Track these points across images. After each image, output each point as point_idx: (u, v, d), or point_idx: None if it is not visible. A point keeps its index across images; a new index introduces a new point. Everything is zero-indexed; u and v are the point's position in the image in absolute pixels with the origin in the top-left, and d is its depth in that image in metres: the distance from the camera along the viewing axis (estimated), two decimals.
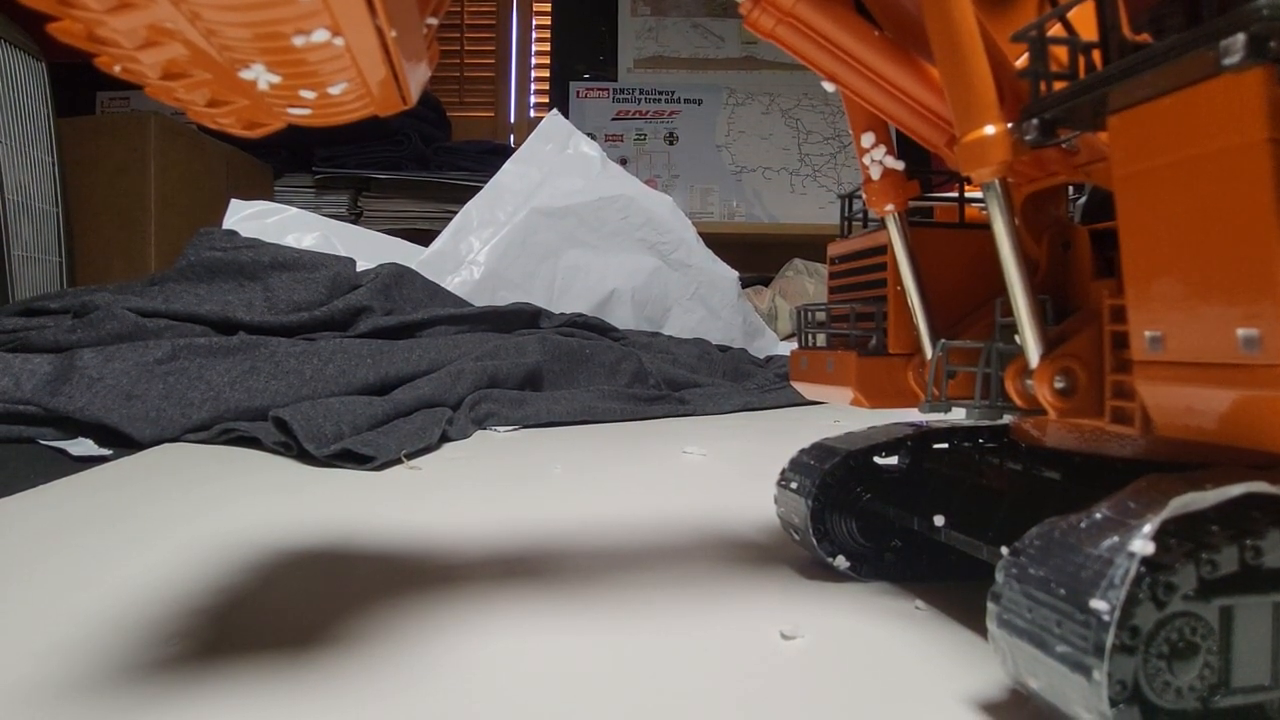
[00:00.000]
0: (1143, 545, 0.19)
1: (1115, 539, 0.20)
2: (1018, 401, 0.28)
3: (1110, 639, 0.19)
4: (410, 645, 0.29)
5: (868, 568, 0.37)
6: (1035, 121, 0.22)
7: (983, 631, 0.23)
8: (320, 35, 0.21)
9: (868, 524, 0.38)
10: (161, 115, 1.73)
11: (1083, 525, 0.21)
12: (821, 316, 0.38)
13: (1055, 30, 0.23)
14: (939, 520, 0.33)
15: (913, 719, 0.24)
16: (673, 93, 2.58)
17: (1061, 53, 0.22)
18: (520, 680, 0.26)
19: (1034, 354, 0.26)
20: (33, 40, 1.57)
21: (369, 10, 0.21)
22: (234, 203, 1.32)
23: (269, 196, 2.09)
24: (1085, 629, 0.19)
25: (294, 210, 1.36)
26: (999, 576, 0.23)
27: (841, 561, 0.37)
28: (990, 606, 0.22)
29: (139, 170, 1.70)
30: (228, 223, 1.28)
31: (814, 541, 0.37)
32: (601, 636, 0.30)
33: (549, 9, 2.65)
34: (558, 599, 0.34)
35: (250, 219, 1.29)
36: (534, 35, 2.71)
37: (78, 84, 1.72)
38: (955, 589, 0.36)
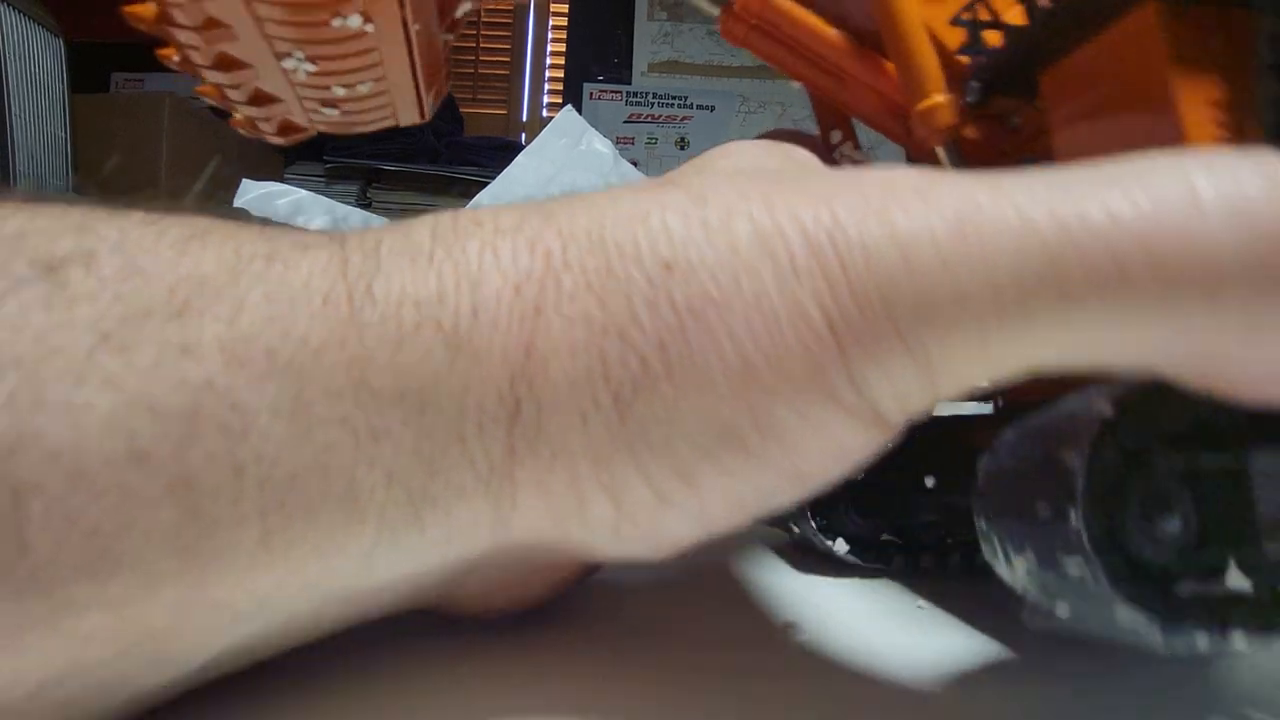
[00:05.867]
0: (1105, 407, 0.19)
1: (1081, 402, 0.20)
2: None
3: (1082, 486, 0.19)
4: (407, 641, 0.29)
5: (869, 553, 0.37)
6: (975, 84, 0.24)
7: (987, 631, 0.23)
8: (354, 20, 0.25)
9: (864, 503, 0.38)
10: (175, 96, 1.74)
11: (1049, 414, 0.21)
12: None
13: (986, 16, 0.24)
14: (929, 481, 0.33)
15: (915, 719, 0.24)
16: (686, 98, 2.59)
17: (995, 37, 0.24)
18: (515, 678, 0.26)
19: None
20: (51, 16, 1.58)
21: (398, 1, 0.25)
22: (245, 183, 1.33)
23: (280, 183, 2.10)
24: (1061, 484, 0.19)
25: (304, 193, 1.36)
26: (980, 470, 0.22)
27: (840, 545, 0.37)
28: (976, 502, 0.22)
29: (151, 149, 1.71)
30: (238, 202, 1.28)
31: (812, 526, 0.37)
32: (594, 631, 0.30)
33: (566, 9, 2.66)
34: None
35: (261, 199, 1.30)
36: (550, 35, 2.73)
37: (93, 62, 1.73)
38: (958, 588, 0.36)
